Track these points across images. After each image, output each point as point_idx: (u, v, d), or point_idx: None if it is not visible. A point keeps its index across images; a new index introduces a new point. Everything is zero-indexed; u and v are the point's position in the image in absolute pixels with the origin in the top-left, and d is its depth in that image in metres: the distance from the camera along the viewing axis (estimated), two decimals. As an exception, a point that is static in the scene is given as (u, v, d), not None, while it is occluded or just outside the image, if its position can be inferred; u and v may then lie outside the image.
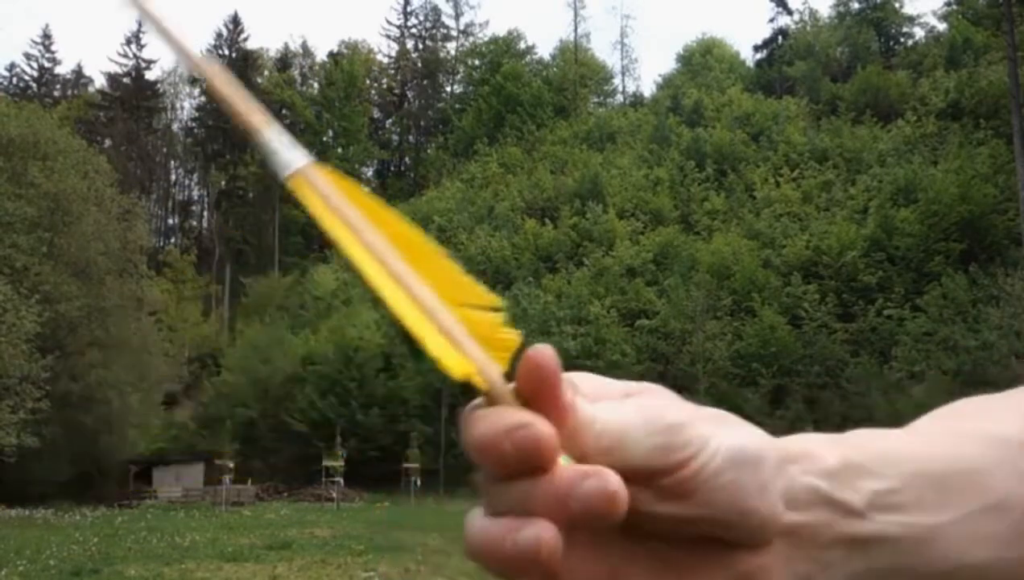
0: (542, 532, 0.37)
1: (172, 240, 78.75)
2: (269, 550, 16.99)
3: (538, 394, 0.39)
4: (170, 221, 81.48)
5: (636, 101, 74.72)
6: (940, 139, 45.81)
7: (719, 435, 0.41)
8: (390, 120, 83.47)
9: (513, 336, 0.40)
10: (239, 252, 69.61)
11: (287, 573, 13.88)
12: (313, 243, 69.26)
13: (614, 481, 0.37)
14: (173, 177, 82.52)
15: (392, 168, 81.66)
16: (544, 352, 0.39)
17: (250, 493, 37.67)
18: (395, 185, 75.39)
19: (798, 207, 45.54)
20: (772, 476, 0.42)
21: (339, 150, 73.91)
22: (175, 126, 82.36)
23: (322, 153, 73.88)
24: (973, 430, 0.49)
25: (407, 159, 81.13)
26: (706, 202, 49.59)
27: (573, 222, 50.38)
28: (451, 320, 0.40)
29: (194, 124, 79.22)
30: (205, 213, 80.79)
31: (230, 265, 68.19)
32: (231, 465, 36.95)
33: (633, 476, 0.39)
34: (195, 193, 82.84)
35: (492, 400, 0.39)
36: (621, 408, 0.41)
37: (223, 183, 71.91)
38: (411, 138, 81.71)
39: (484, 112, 70.37)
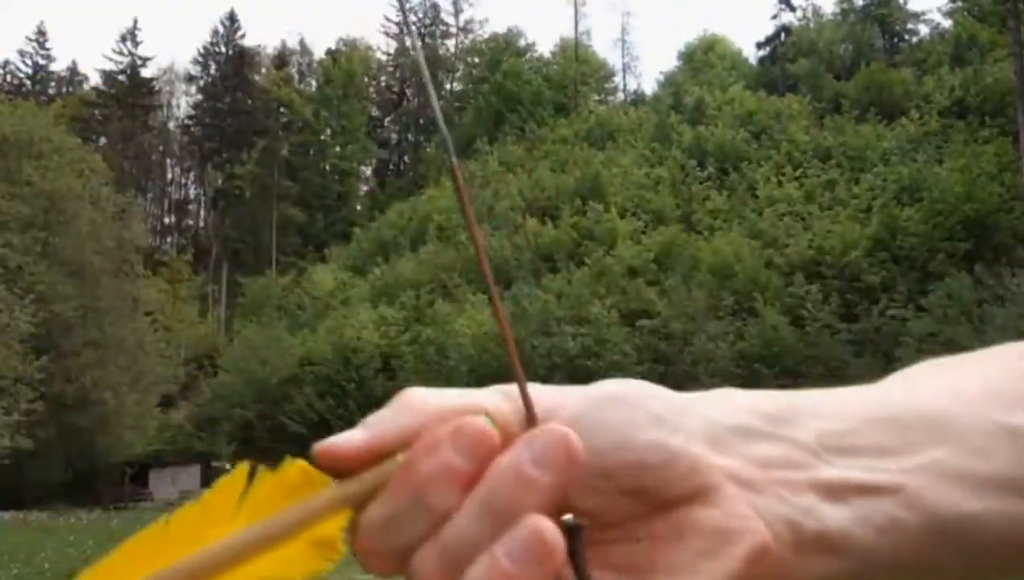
0: (534, 525, 0.33)
1: (168, 239, 78.40)
2: (267, 555, 16.63)
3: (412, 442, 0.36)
4: (166, 220, 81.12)
5: (637, 99, 74.43)
6: (945, 137, 45.52)
7: (583, 388, 0.40)
8: (389, 118, 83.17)
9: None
10: (236, 251, 69.23)
11: None
12: (310, 242, 68.95)
13: (556, 427, 0.35)
14: (169, 176, 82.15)
15: (391, 167, 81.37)
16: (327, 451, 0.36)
17: (247, 495, 37.25)
18: (394, 184, 75.09)
19: (801, 206, 45.20)
20: (670, 412, 0.38)
21: (337, 149, 73.62)
22: (171, 124, 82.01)
23: (320, 152, 73.67)
24: (930, 383, 0.46)
25: (406, 157, 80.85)
26: (708, 201, 49.25)
27: (574, 221, 50.04)
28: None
29: (190, 122, 78.88)
30: (202, 212, 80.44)
31: (227, 264, 67.82)
32: (228, 467, 36.48)
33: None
34: (192, 192, 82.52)
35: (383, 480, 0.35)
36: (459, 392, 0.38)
37: (220, 181, 71.58)
38: (410, 136, 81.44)
39: (484, 110, 70.06)
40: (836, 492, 0.40)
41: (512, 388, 0.37)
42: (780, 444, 0.40)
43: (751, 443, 0.39)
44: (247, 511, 0.34)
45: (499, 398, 0.37)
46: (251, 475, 0.34)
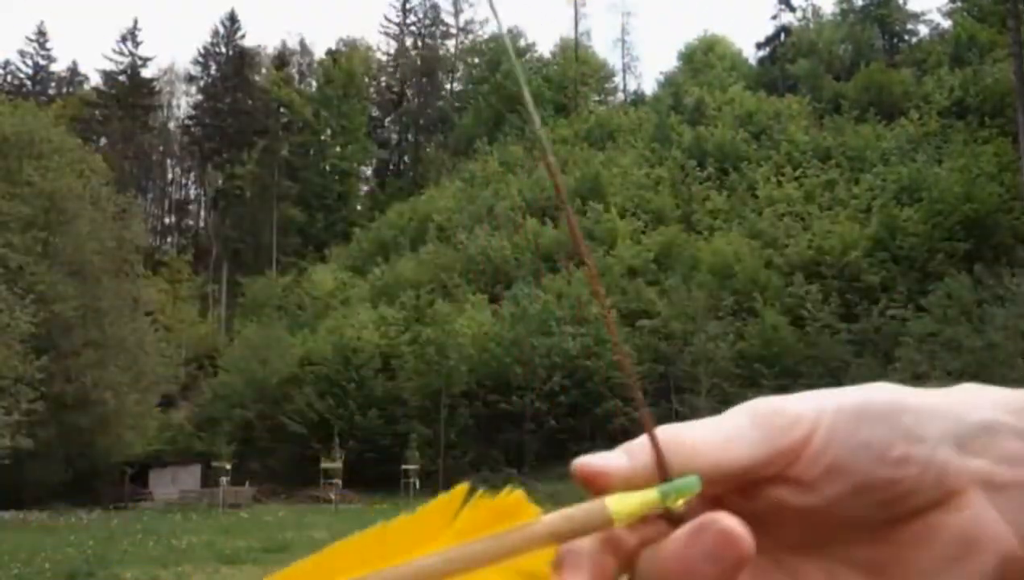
0: None
1: (168, 239, 78.41)
2: (266, 552, 16.69)
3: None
4: (166, 220, 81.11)
5: (637, 99, 74.43)
6: (944, 137, 45.54)
7: (832, 397, 0.40)
8: (389, 118, 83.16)
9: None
10: (236, 251, 69.23)
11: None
12: (311, 242, 68.96)
13: (724, 521, 0.35)
14: (169, 176, 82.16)
15: (391, 167, 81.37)
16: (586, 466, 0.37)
17: (247, 495, 37.33)
18: (394, 184, 75.11)
19: (800, 206, 45.21)
20: (919, 420, 0.39)
21: (337, 149, 73.62)
22: (171, 124, 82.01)
23: (321, 152, 73.65)
24: None
25: (406, 158, 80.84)
26: (708, 201, 49.27)
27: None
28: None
29: (191, 122, 78.87)
30: (202, 212, 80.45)
31: (227, 264, 67.81)
32: (228, 467, 36.63)
33: (761, 480, 0.39)
34: (192, 192, 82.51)
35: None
36: (712, 422, 0.40)
37: (220, 182, 71.54)
38: (410, 136, 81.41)
39: (483, 110, 70.08)
40: None
41: (763, 416, 0.39)
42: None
43: (998, 440, 0.39)
44: (459, 529, 0.36)
45: (749, 436, 0.38)
46: (468, 496, 0.37)
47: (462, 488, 0.37)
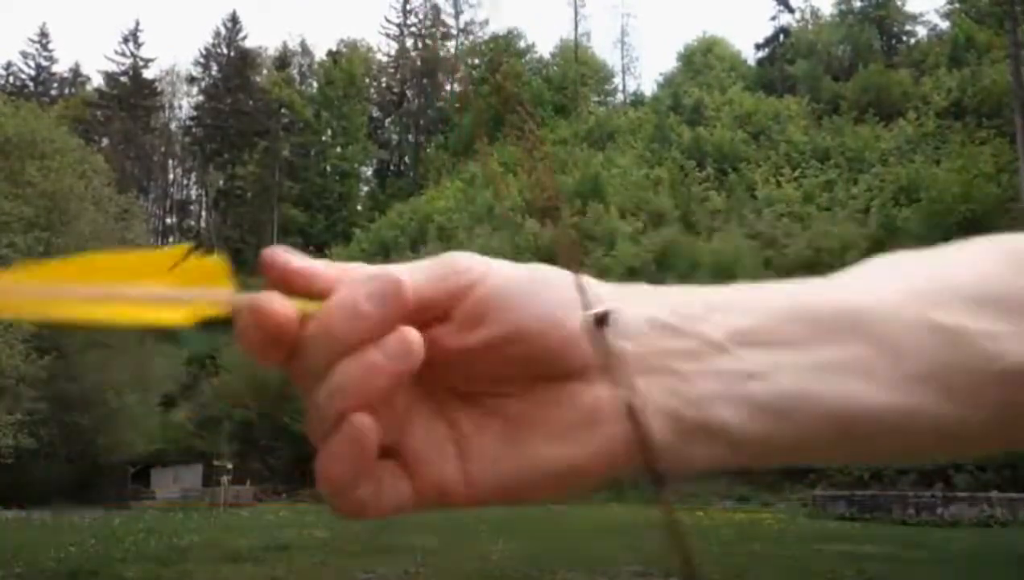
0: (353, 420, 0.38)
1: (170, 239, 78.50)
2: (267, 551, 16.75)
3: (286, 278, 0.40)
4: (168, 220, 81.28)
5: (637, 100, 74.54)
6: (942, 138, 45.66)
7: (505, 264, 0.44)
8: (389, 119, 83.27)
9: (218, 264, 0.41)
10: (237, 251, 69.28)
11: (286, 575, 13.65)
12: (311, 243, 69.10)
13: (408, 332, 0.38)
14: (171, 176, 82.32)
15: (391, 167, 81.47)
16: (272, 251, 0.41)
17: (249, 494, 37.46)
18: (394, 184, 75.22)
19: (799, 207, 45.34)
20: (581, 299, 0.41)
21: (338, 149, 73.77)
22: (173, 125, 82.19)
23: (321, 153, 73.80)
24: (868, 281, 0.46)
25: (406, 158, 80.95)
26: (707, 202, 49.38)
27: (574, 222, 50.17)
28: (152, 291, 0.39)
29: (192, 123, 79.03)
30: (203, 212, 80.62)
31: (228, 265, 67.95)
32: (229, 466, 36.73)
33: (425, 314, 0.40)
34: (193, 192, 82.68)
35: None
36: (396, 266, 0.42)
37: (221, 182, 71.73)
38: (410, 137, 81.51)
39: (484, 111, 70.18)
40: (730, 383, 0.41)
41: (444, 259, 0.42)
42: (686, 338, 0.41)
43: (660, 336, 0.41)
44: (172, 277, 0.40)
45: (430, 268, 0.41)
46: (188, 253, 0.40)
47: (186, 246, 0.40)
